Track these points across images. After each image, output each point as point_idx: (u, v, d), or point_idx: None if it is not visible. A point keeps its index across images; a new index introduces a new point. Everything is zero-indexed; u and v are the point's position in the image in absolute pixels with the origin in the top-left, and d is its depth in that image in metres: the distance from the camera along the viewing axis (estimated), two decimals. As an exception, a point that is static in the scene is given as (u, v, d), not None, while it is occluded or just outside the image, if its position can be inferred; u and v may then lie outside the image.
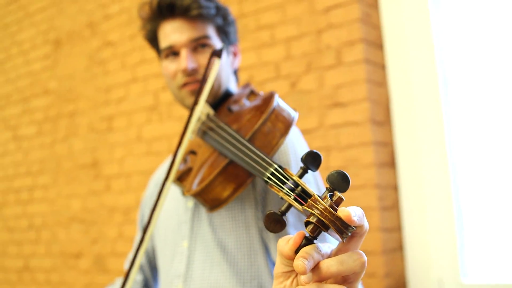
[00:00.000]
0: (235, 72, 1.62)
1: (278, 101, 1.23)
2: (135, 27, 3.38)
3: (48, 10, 4.06)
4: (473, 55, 2.33)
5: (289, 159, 1.28)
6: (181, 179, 1.35)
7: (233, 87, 1.57)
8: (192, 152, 1.37)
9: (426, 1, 2.42)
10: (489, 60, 2.28)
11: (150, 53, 3.27)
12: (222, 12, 1.51)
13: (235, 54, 1.60)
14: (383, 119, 2.45)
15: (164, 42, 1.46)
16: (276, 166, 0.95)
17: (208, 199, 1.16)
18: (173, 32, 1.44)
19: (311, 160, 0.82)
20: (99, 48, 3.60)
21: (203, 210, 1.43)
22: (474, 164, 2.26)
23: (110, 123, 3.48)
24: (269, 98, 1.23)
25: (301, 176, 0.83)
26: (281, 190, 0.85)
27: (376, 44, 2.53)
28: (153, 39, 1.54)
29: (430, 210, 2.30)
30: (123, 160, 3.36)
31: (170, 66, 1.47)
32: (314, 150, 0.84)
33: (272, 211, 0.78)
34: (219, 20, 1.49)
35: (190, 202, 1.46)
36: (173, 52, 1.46)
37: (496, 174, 2.21)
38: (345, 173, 0.74)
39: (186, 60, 1.41)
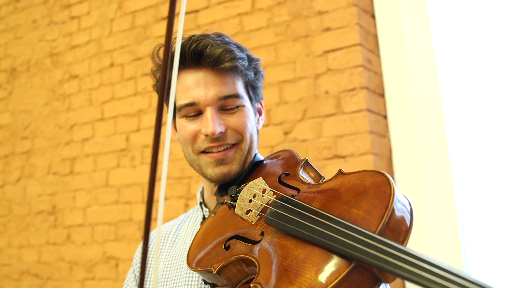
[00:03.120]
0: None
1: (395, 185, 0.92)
2: (106, 61, 3.07)
3: (3, 35, 3.68)
4: (477, 97, 2.19)
5: None
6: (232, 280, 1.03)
7: (258, 153, 1.31)
8: (245, 240, 1.03)
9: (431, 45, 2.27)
10: (494, 97, 2.15)
11: (122, 90, 2.96)
12: (254, 64, 1.26)
13: (259, 113, 1.35)
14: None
15: (184, 98, 1.19)
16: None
17: None
18: (197, 87, 1.17)
19: None
20: (62, 81, 3.26)
21: None
22: (479, 197, 2.11)
23: (72, 165, 3.11)
24: (379, 179, 0.91)
25: None
26: None
27: (377, 92, 2.34)
28: (166, 91, 1.26)
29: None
30: (87, 208, 3.00)
31: (190, 127, 1.20)
32: None
33: None
34: (251, 74, 1.24)
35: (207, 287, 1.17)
36: (194, 111, 1.19)
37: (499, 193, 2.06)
38: None
39: (213, 123, 1.15)
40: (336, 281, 0.78)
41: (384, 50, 2.39)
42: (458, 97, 2.24)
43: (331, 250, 0.82)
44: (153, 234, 1.43)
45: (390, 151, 2.31)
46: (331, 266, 0.81)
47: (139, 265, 1.37)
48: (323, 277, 0.81)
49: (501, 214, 2.11)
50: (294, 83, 2.41)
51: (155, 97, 2.80)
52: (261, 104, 1.35)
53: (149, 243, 1.40)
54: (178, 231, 1.39)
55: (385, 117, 2.35)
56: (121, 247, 2.81)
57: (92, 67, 3.13)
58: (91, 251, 2.92)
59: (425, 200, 2.18)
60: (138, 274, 1.37)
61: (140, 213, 2.78)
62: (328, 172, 2.22)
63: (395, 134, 2.31)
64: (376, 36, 2.42)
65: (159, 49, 1.25)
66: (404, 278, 0.72)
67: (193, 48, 1.15)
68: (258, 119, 1.33)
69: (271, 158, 1.27)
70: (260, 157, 1.30)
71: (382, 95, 2.37)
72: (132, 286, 1.37)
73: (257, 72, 1.27)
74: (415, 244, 2.16)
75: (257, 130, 1.31)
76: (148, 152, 2.82)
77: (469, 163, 2.19)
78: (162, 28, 2.86)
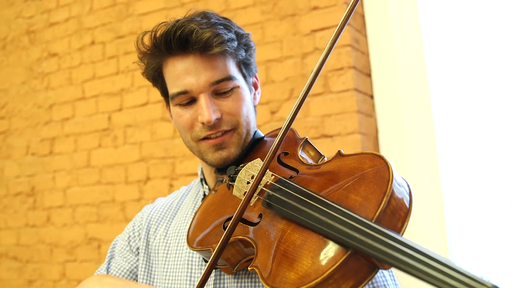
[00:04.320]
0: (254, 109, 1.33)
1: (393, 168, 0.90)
2: (86, 39, 2.99)
3: (-23, 13, 3.54)
4: (464, 77, 2.21)
5: None
6: (231, 260, 1.02)
7: (258, 129, 1.29)
8: (244, 221, 1.01)
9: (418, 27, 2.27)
10: (480, 77, 2.17)
11: (103, 69, 2.89)
12: (244, 41, 1.22)
13: (255, 87, 1.32)
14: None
15: (175, 86, 1.16)
16: (490, 285, 0.65)
17: None
18: (187, 74, 1.14)
19: None
20: (40, 59, 3.16)
21: (226, 277, 1.13)
22: (464, 176, 2.14)
23: (52, 146, 3.04)
24: (378, 163, 0.90)
25: None
26: None
27: (364, 72, 2.34)
28: (155, 78, 1.22)
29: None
30: (67, 189, 2.94)
31: (185, 115, 1.17)
32: None
33: None
34: (242, 53, 1.21)
35: None
36: (187, 98, 1.16)
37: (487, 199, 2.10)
38: None
39: (208, 110, 1.12)
40: (333, 268, 0.78)
41: (371, 30, 2.38)
42: (444, 78, 2.26)
43: (327, 236, 0.81)
44: (147, 208, 1.41)
45: (377, 131, 2.32)
46: (328, 253, 0.80)
47: (138, 233, 1.35)
48: (319, 263, 0.80)
49: (486, 193, 2.15)
50: (281, 62, 2.39)
51: (138, 76, 2.75)
52: (256, 78, 1.32)
53: (142, 218, 1.38)
54: (180, 204, 1.37)
55: (372, 97, 2.35)
56: (104, 228, 2.77)
57: (72, 45, 3.05)
58: (72, 233, 2.87)
59: (410, 179, 2.19)
60: (137, 240, 1.34)
61: (123, 194, 2.74)
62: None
63: (381, 114, 2.32)
64: (363, 16, 2.41)
65: (143, 36, 1.21)
66: (399, 268, 0.71)
67: (178, 35, 1.11)
68: (255, 94, 1.31)
69: (271, 136, 1.26)
70: (261, 134, 1.28)
71: (369, 75, 2.37)
72: (123, 246, 1.34)
73: (248, 48, 1.24)
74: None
75: (254, 107, 1.29)
76: (131, 132, 2.77)
77: (454, 142, 2.21)
78: (144, 5, 2.80)
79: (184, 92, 1.15)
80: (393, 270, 1.12)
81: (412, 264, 0.70)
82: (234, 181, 1.07)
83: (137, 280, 1.29)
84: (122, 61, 2.84)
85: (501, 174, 2.13)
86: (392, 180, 0.84)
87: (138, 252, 1.32)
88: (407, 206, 0.84)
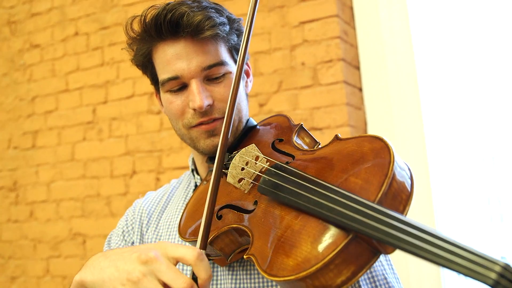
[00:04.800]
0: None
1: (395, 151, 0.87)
2: (69, 30, 2.92)
3: (-44, 3, 3.44)
4: (452, 69, 2.21)
5: None
6: (225, 250, 0.99)
7: (251, 118, 1.27)
8: (238, 209, 1.00)
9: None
10: (468, 66, 2.18)
11: (88, 60, 2.83)
12: (236, 26, 1.19)
13: (247, 74, 1.29)
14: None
15: (165, 72, 1.13)
16: (502, 264, 0.63)
17: (312, 286, 0.78)
18: (178, 59, 1.11)
19: None
20: (22, 51, 3.09)
21: (219, 269, 1.11)
22: (453, 169, 2.14)
23: (34, 139, 2.97)
24: (377, 145, 0.87)
25: None
26: None
27: (353, 64, 2.32)
28: (145, 65, 1.19)
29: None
30: (51, 183, 2.88)
31: (176, 102, 1.14)
32: None
33: None
34: (234, 38, 1.18)
35: None
36: (178, 84, 1.13)
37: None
38: None
39: (199, 96, 1.09)
40: (334, 253, 0.74)
41: (360, 22, 2.37)
42: (433, 71, 2.25)
43: (328, 220, 0.78)
44: (137, 202, 1.38)
45: (365, 124, 2.31)
46: (328, 238, 0.77)
47: (131, 227, 1.32)
48: (319, 249, 0.77)
49: (474, 187, 2.16)
50: (269, 54, 2.36)
51: (123, 67, 2.69)
52: (248, 65, 1.29)
53: (134, 212, 1.35)
54: (170, 197, 1.34)
55: (360, 89, 2.34)
56: (89, 223, 2.72)
57: (54, 36, 2.98)
58: (56, 228, 2.82)
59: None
60: (130, 232, 1.31)
61: (108, 188, 2.70)
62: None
63: (370, 106, 2.31)
64: (351, 8, 2.40)
65: (132, 21, 1.17)
66: (404, 250, 0.68)
67: (169, 18, 1.07)
68: (246, 82, 1.28)
69: (264, 124, 1.23)
70: (253, 122, 1.25)
71: (358, 68, 2.35)
72: (118, 241, 1.31)
73: (240, 34, 1.21)
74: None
75: (246, 95, 1.26)
76: (117, 125, 2.72)
77: (443, 135, 2.21)
78: (130, -4, 2.74)
79: (175, 78, 1.11)
80: (392, 260, 1.11)
81: (418, 244, 0.67)
82: (227, 169, 1.04)
83: None
84: (107, 53, 2.78)
85: (490, 169, 2.14)
86: (393, 162, 0.81)
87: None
88: (409, 189, 0.81)
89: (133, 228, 1.31)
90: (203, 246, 0.90)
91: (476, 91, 2.18)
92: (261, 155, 1.03)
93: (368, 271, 1.02)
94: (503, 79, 2.14)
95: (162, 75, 1.14)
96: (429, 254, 0.66)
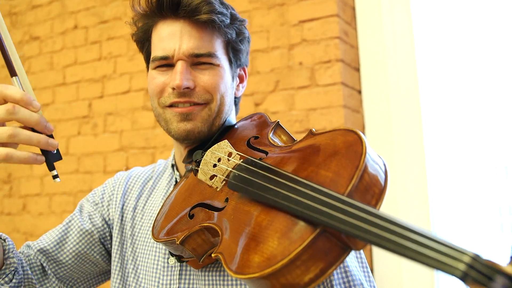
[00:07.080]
0: (236, 102, 1.29)
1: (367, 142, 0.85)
2: (69, 23, 2.90)
3: (-41, -7, 3.44)
4: (454, 73, 2.15)
5: None
6: (197, 251, 0.97)
7: (232, 118, 1.25)
8: (209, 208, 0.97)
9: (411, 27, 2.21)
10: (470, 72, 2.12)
11: (86, 54, 2.80)
12: (237, 24, 1.18)
13: (241, 79, 1.28)
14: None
15: (157, 50, 1.14)
16: (472, 254, 0.59)
17: (278, 284, 0.74)
18: (171, 38, 1.11)
19: None
20: (21, 43, 3.07)
21: (193, 272, 1.08)
22: (451, 173, 2.09)
23: (30, 132, 2.94)
24: (350, 138, 0.84)
25: None
26: None
27: (352, 66, 2.27)
28: (143, 41, 1.21)
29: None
30: (44, 177, 2.85)
31: (159, 78, 1.14)
32: None
33: None
34: (232, 34, 1.16)
35: (172, 259, 1.12)
36: (166, 64, 1.13)
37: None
38: None
39: (181, 76, 1.09)
40: (300, 248, 0.71)
41: (361, 23, 2.31)
42: (435, 75, 2.19)
43: (295, 215, 0.75)
44: (120, 174, 1.39)
45: (363, 127, 2.25)
46: (295, 233, 0.74)
47: (107, 203, 1.34)
48: (286, 244, 0.73)
49: (472, 191, 2.10)
50: (267, 52, 2.31)
51: (120, 62, 2.66)
52: (244, 71, 1.28)
53: (115, 184, 1.37)
54: (157, 182, 1.33)
55: (359, 92, 2.28)
56: (80, 218, 2.69)
57: (54, 29, 2.95)
58: (49, 222, 2.78)
59: (397, 177, 2.13)
60: (104, 201, 1.34)
61: (100, 183, 2.65)
62: (299, 146, 2.15)
63: (368, 109, 2.25)
64: (353, 8, 2.34)
65: None
66: (374, 243, 0.65)
67: None
68: (238, 86, 1.26)
69: (242, 122, 1.21)
70: (232, 121, 1.23)
71: (357, 69, 2.30)
72: (91, 210, 1.32)
73: (240, 34, 1.19)
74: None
75: (236, 97, 1.25)
76: (112, 120, 2.69)
77: (442, 140, 2.15)
78: (130, -10, 2.71)
79: (164, 58, 1.12)
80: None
81: (386, 236, 0.64)
82: (199, 165, 1.02)
83: (104, 247, 1.30)
84: (105, 47, 2.75)
85: (488, 173, 2.08)
86: (365, 154, 0.77)
87: (107, 221, 1.30)
88: (382, 183, 0.78)
89: (109, 203, 1.32)
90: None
91: (478, 96, 2.12)
92: (234, 152, 1.00)
93: (346, 281, 0.98)
94: (507, 84, 2.07)
95: (153, 53, 1.15)
96: (397, 247, 0.63)
